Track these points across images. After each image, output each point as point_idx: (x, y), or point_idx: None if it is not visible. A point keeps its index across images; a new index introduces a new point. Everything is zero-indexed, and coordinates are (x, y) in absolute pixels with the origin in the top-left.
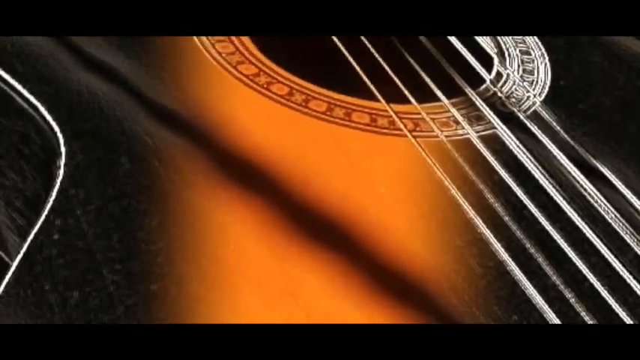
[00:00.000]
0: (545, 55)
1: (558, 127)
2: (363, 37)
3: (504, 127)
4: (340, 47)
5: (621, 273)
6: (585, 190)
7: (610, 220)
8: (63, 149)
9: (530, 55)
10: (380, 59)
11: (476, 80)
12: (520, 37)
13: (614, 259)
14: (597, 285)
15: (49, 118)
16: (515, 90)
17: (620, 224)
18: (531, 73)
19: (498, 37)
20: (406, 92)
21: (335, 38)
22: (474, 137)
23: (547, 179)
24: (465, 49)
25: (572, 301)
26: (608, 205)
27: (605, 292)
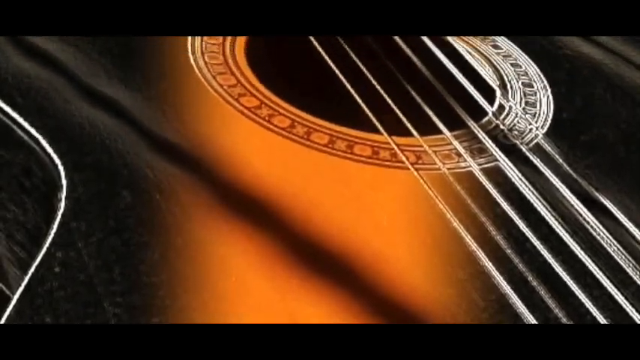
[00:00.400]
0: (548, 88)
1: (561, 160)
2: (365, 69)
3: (507, 159)
4: (342, 79)
5: (624, 306)
6: (588, 222)
7: (612, 253)
8: (64, 182)
9: (533, 87)
10: (382, 91)
11: (478, 113)
12: (522, 69)
13: (617, 292)
14: (600, 318)
15: (50, 150)
16: (518, 122)
17: (623, 257)
18: (534, 105)
19: (500, 70)
20: (408, 125)
21: (337, 70)
22: (476, 170)
23: (549, 212)
24: (467, 81)
25: None
26: (611, 237)
27: None
